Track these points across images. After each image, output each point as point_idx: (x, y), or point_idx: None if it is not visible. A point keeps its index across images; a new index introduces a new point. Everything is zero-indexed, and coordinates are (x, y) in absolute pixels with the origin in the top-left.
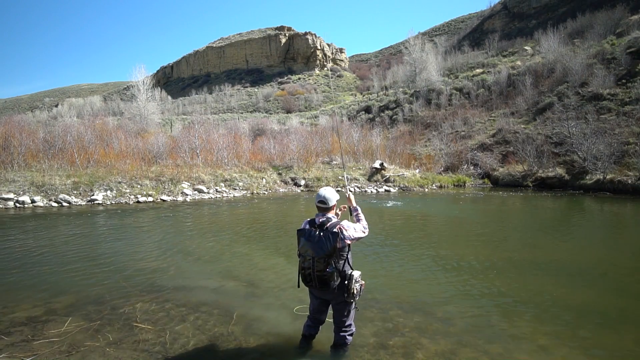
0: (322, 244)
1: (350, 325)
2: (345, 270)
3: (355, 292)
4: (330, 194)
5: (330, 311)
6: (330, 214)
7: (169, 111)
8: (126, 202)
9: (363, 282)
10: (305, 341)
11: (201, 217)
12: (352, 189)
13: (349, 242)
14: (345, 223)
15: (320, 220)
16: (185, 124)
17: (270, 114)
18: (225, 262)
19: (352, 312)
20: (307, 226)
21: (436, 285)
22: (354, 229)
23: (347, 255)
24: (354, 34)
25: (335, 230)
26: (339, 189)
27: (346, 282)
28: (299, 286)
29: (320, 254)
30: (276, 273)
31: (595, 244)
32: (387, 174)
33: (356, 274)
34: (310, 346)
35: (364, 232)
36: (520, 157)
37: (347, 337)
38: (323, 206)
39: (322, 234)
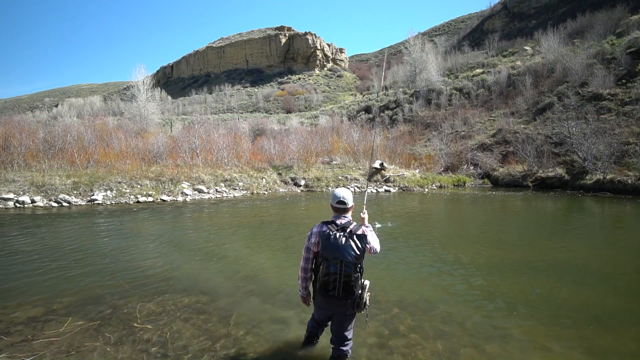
0: (351, 247)
1: (351, 339)
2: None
3: (367, 301)
4: (348, 194)
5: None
6: (349, 215)
7: (169, 111)
8: (126, 202)
9: (370, 293)
10: (309, 341)
11: (201, 217)
12: (351, 189)
13: (368, 247)
14: (366, 228)
15: (342, 222)
16: (185, 124)
17: (270, 114)
18: (225, 262)
19: (353, 326)
20: (325, 228)
21: (436, 285)
22: (374, 239)
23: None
24: (354, 34)
25: (360, 233)
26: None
27: (360, 291)
28: (313, 298)
29: (349, 258)
30: (276, 272)
31: (596, 244)
32: (387, 174)
33: (367, 283)
34: (312, 348)
35: (378, 249)
36: (520, 157)
37: (349, 350)
38: (342, 207)
39: (348, 237)
